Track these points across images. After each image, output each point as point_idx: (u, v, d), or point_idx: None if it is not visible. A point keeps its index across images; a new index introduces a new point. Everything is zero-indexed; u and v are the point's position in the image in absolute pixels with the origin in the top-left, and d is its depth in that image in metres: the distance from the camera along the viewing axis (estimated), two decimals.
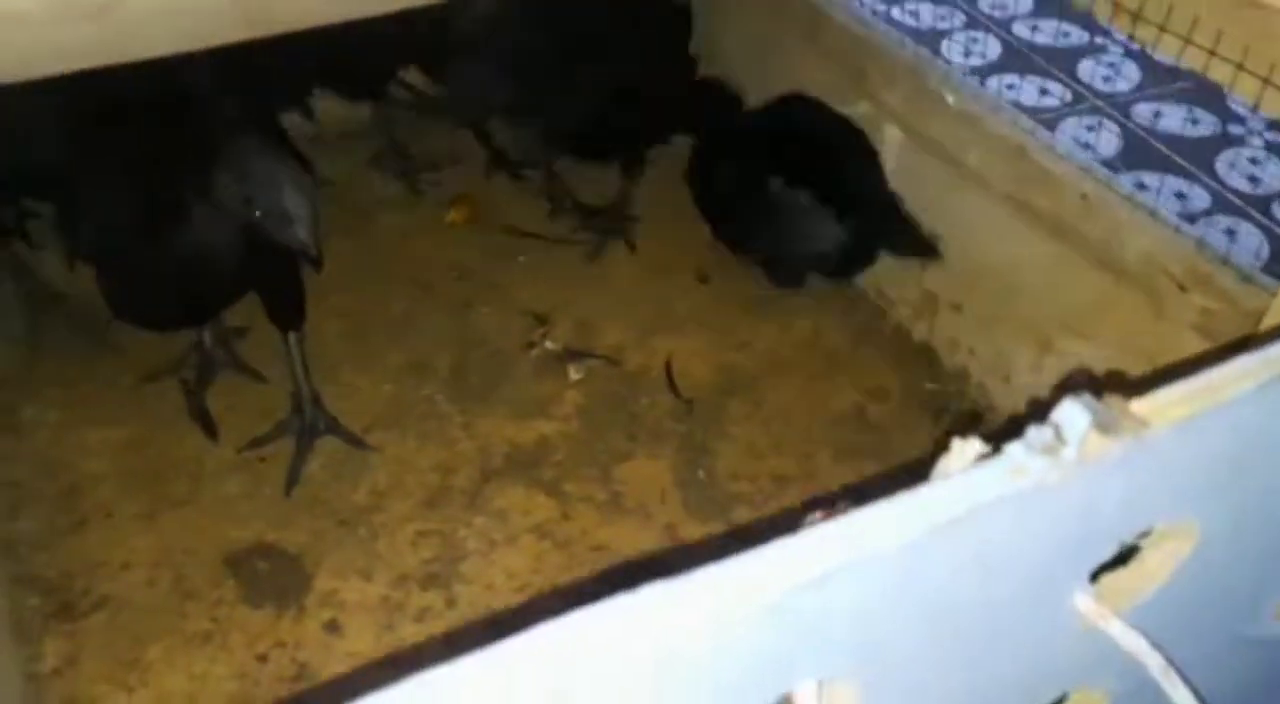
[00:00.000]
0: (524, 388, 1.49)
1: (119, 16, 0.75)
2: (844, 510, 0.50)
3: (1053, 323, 1.28)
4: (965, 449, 0.48)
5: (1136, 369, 1.18)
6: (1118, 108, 2.00)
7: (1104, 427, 0.48)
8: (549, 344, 1.55)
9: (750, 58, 1.59)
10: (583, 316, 1.60)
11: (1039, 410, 0.49)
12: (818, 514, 0.60)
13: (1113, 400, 0.50)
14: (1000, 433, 0.49)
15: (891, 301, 1.57)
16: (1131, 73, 2.09)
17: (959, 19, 2.29)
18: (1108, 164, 1.79)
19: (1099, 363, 1.22)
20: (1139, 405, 0.50)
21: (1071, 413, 0.48)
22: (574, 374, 1.51)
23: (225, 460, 1.38)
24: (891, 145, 1.45)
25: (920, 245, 1.43)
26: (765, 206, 1.46)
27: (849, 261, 1.52)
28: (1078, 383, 0.61)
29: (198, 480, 1.36)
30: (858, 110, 1.49)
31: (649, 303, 1.62)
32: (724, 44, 1.54)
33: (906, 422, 1.45)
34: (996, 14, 2.30)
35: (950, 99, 1.32)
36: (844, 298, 1.63)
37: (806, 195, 1.43)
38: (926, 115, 1.37)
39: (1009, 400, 1.40)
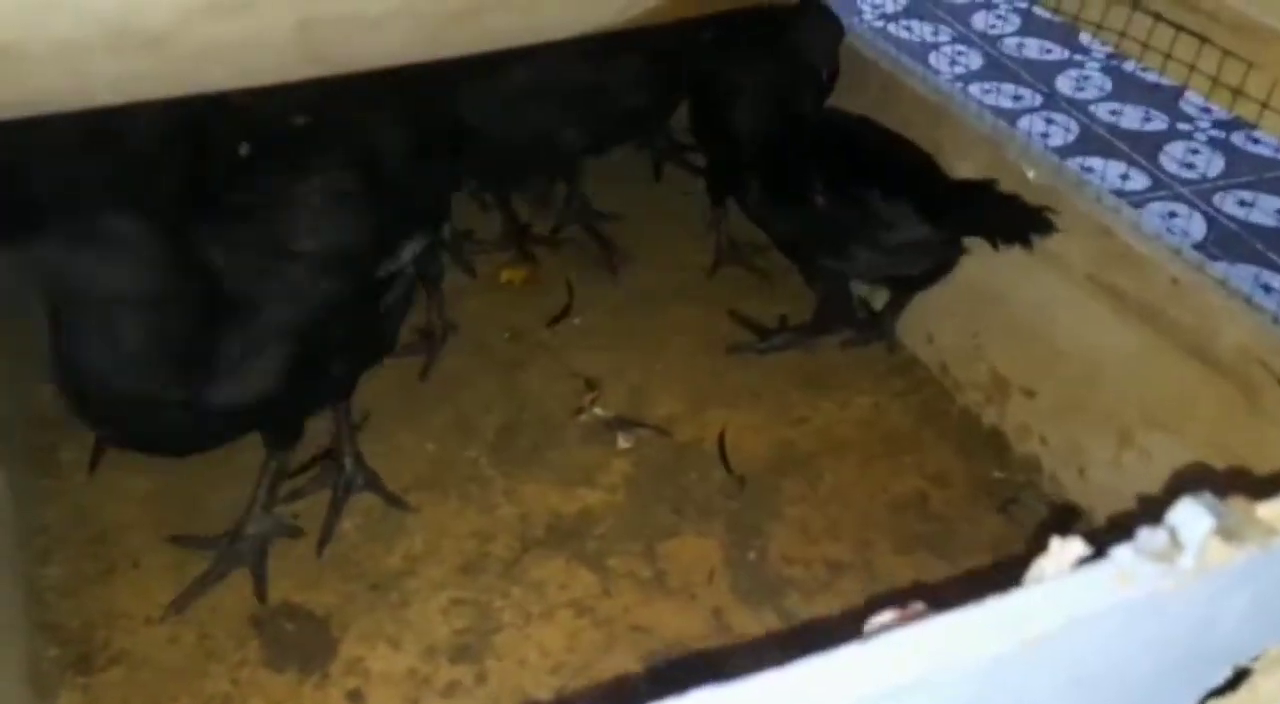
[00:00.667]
0: (570, 454, 1.44)
1: (176, 49, 0.72)
2: (919, 614, 0.43)
3: (1135, 414, 1.20)
4: (1064, 550, 0.41)
5: (1225, 467, 1.09)
6: (1201, 196, 1.93)
7: (1227, 532, 0.41)
8: (599, 410, 1.50)
9: None
10: (635, 383, 1.54)
11: (1150, 510, 0.42)
12: (888, 615, 0.54)
13: (1237, 502, 0.43)
14: (1102, 534, 0.42)
15: (959, 383, 1.50)
16: (1216, 161, 2.02)
17: (1036, 98, 2.24)
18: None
19: (1185, 459, 1.14)
20: (1266, 509, 0.43)
21: (1190, 514, 0.41)
22: (623, 443, 1.46)
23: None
24: None
25: (1027, 220, 1.23)
26: (863, 215, 1.35)
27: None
28: (1194, 481, 0.54)
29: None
30: None
31: (704, 372, 1.56)
32: None
33: (971, 512, 1.36)
34: (1077, 95, 2.25)
35: (1030, 173, 1.26)
36: (906, 376, 1.56)
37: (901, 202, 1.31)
38: (1002, 187, 1.30)
39: (1084, 495, 1.32)
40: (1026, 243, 1.22)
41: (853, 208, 1.32)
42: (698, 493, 1.39)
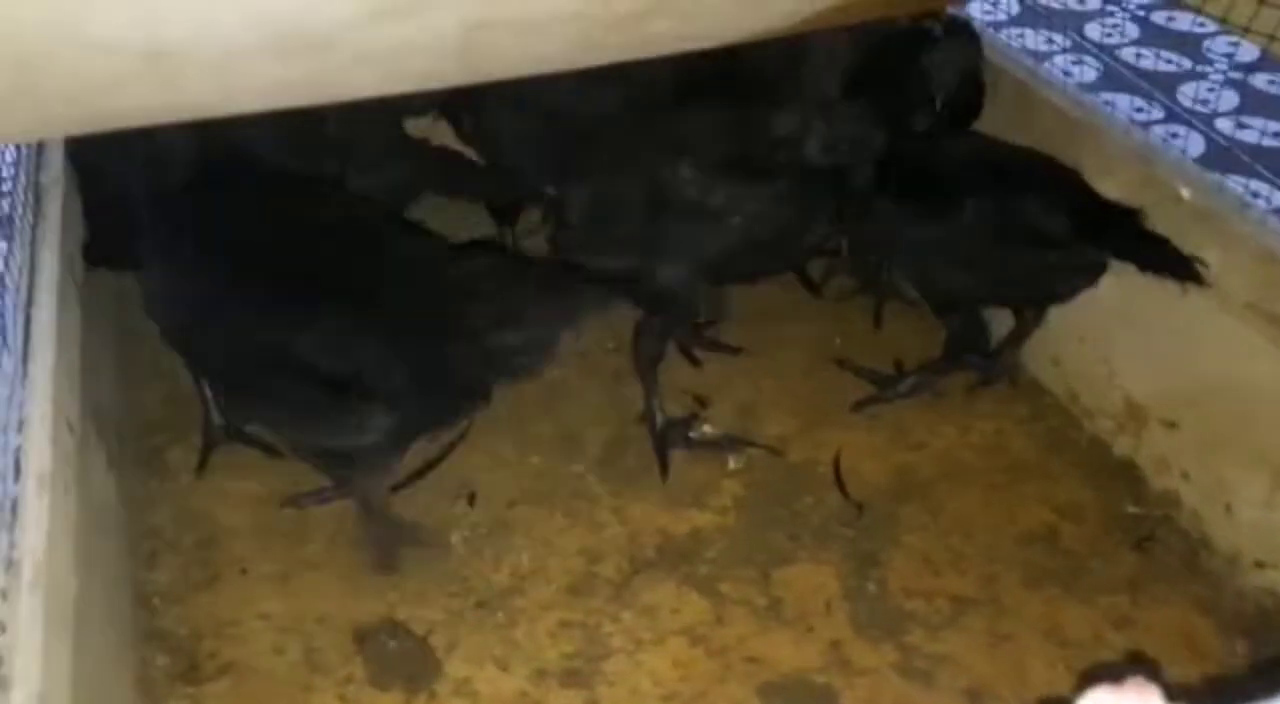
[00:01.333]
0: (680, 473, 1.39)
1: (338, 54, 0.69)
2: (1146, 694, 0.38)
3: None
4: None
5: None
6: None
7: None
8: (707, 428, 1.45)
9: None
10: (745, 400, 1.49)
11: None
12: (1103, 693, 0.48)
13: None
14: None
15: (1088, 410, 1.42)
16: None
17: (1156, 112, 2.15)
18: None
19: None
20: None
21: None
22: (733, 463, 1.41)
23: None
24: None
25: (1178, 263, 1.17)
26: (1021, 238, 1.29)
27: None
28: None
29: (334, 543, 1.30)
30: None
31: (815, 390, 1.51)
32: None
33: (1104, 548, 1.29)
34: (1199, 108, 2.15)
35: (1185, 192, 1.19)
36: (1031, 401, 1.49)
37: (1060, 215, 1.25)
38: (1153, 208, 1.23)
39: (1228, 535, 1.24)
40: (1177, 276, 1.15)
41: (1006, 219, 1.25)
42: (813, 518, 1.33)
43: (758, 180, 1.20)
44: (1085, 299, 1.37)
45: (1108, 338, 1.36)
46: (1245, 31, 1.21)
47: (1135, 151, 1.27)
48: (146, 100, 0.71)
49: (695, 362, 1.52)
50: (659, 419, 1.39)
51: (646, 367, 1.37)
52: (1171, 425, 1.30)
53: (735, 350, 1.54)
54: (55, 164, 1.23)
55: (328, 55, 0.67)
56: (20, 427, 0.92)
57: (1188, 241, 1.19)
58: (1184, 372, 1.26)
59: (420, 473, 1.38)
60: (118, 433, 1.29)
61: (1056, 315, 1.42)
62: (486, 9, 0.67)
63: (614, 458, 1.41)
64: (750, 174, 1.20)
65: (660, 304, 1.32)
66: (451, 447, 1.41)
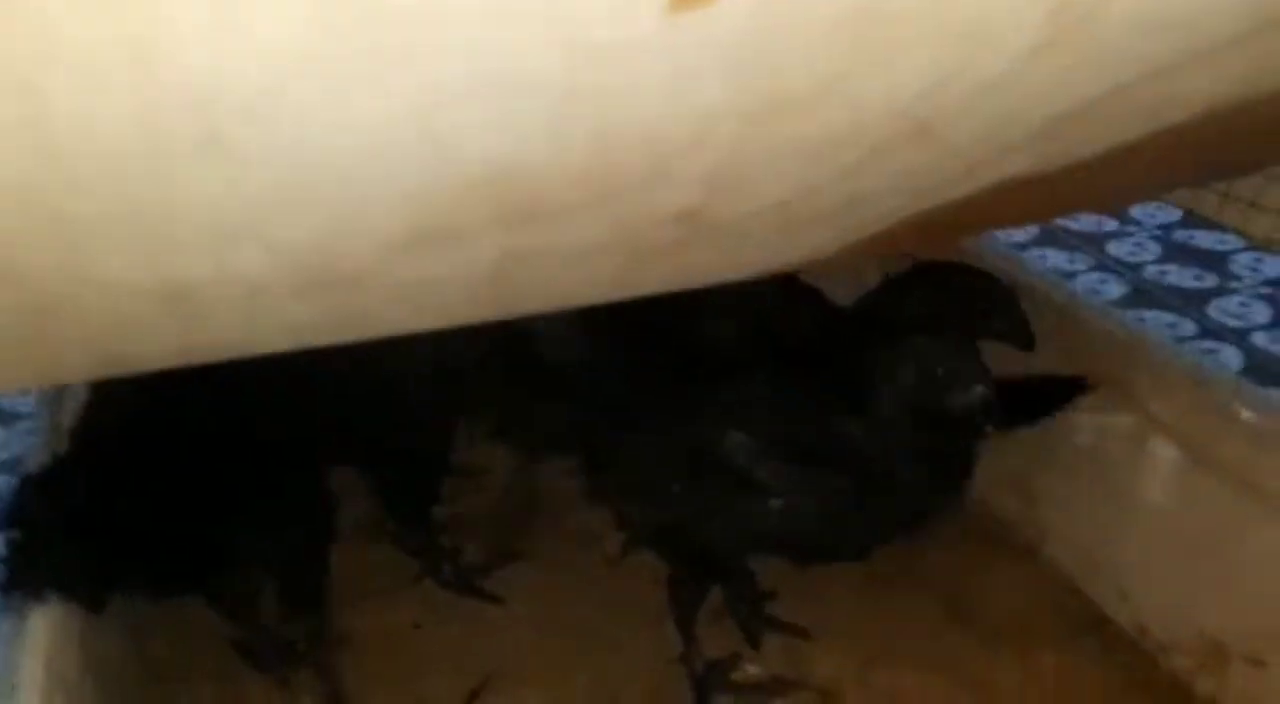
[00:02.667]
0: None
1: (368, 291, 0.66)
2: None
3: None
4: None
5: None
6: None
7: None
8: (752, 668, 1.35)
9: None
10: (791, 639, 1.39)
11: None
12: None
13: None
14: None
15: (1162, 646, 1.32)
16: None
17: (1188, 327, 2.13)
18: None
19: None
20: None
21: None
22: None
23: None
24: (1164, 465, 1.26)
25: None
26: None
27: None
28: None
29: None
30: (1117, 423, 1.32)
31: (873, 622, 1.41)
32: None
33: None
34: (1229, 322, 2.13)
35: (1246, 415, 1.14)
36: (1097, 635, 1.38)
37: None
38: (1212, 433, 1.18)
39: None
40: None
41: None
42: None
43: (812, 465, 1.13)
44: (1150, 525, 1.30)
45: (1180, 566, 1.28)
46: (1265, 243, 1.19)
47: (1189, 374, 1.23)
48: (166, 343, 0.68)
49: (756, 645, 1.37)
50: (699, 665, 1.29)
51: (684, 619, 1.28)
52: (1258, 663, 1.19)
53: (803, 633, 1.38)
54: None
55: (356, 291, 0.65)
56: (12, 692, 0.85)
57: (1254, 468, 1.13)
58: (1263, 604, 1.17)
59: None
60: (121, 682, 1.20)
61: (1122, 544, 1.35)
62: (520, 240, 0.65)
63: None
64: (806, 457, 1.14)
65: (696, 563, 1.25)
66: (475, 695, 1.31)
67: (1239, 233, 1.13)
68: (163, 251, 0.57)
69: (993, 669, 1.34)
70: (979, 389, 1.05)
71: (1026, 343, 1.25)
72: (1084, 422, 1.36)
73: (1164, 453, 1.27)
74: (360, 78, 0.49)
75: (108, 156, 0.50)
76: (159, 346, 0.68)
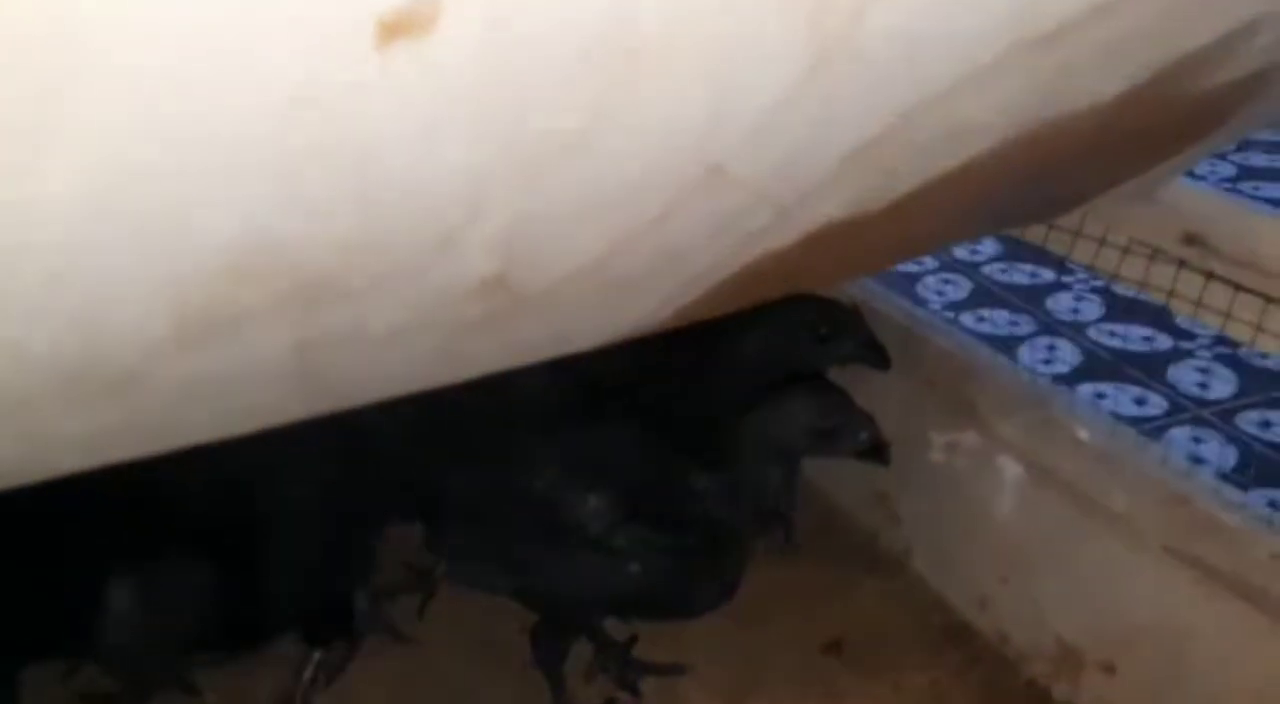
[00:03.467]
0: None
1: (148, 394, 0.61)
2: None
3: (1244, 699, 1.07)
4: None
5: None
6: (1221, 416, 1.87)
7: None
8: None
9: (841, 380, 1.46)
10: (663, 680, 1.39)
11: None
12: None
13: None
14: None
15: (1021, 654, 1.36)
16: (1228, 377, 1.98)
17: (1029, 325, 2.22)
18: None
19: None
20: None
21: None
22: None
23: None
24: (1010, 481, 1.30)
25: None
26: None
27: None
28: None
29: None
30: (964, 441, 1.36)
31: (748, 653, 1.41)
32: None
33: None
34: (1068, 318, 2.23)
35: (1083, 434, 1.18)
36: (960, 646, 1.42)
37: None
38: (1053, 451, 1.22)
39: None
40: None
41: None
42: None
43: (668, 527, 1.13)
44: (1003, 538, 1.35)
45: (1031, 578, 1.32)
46: (1090, 268, 1.23)
47: (1027, 393, 1.27)
48: None
49: (637, 694, 1.34)
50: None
51: (550, 669, 1.26)
52: (1109, 669, 1.24)
53: (678, 670, 1.36)
54: None
55: (138, 395, 0.59)
56: None
57: (1091, 485, 1.17)
58: (1112, 614, 1.22)
59: None
60: None
61: (978, 556, 1.39)
62: (313, 328, 0.61)
63: None
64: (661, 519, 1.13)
65: (555, 619, 1.23)
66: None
67: (1065, 257, 1.17)
68: None
69: (863, 692, 1.36)
70: (865, 435, 1.10)
71: (882, 362, 1.27)
72: (935, 439, 1.40)
73: (1009, 469, 1.31)
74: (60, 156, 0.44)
75: None
76: None
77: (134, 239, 0.50)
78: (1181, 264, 0.99)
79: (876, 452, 1.12)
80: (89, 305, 0.52)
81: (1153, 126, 0.90)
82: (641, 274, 0.75)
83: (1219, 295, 0.98)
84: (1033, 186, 0.94)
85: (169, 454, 1.08)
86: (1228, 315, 0.97)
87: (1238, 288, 0.95)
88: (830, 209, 0.75)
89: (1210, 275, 0.97)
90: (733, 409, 1.17)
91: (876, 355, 1.27)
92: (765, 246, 0.77)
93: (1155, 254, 1.01)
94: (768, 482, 1.12)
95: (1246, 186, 2.65)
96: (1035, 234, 1.15)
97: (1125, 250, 1.05)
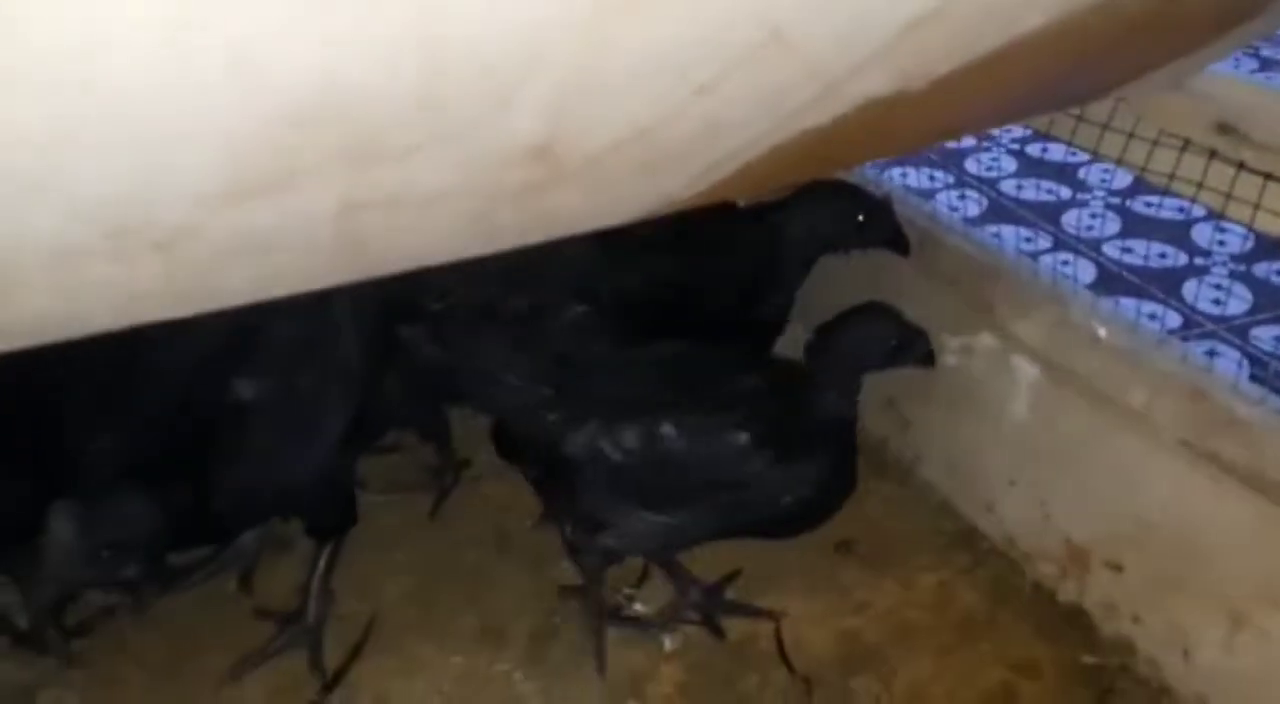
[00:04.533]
0: (613, 660, 1.29)
1: (192, 250, 0.60)
2: None
3: (1250, 592, 1.08)
4: None
5: None
6: (1236, 332, 1.86)
7: None
8: (639, 606, 1.36)
9: (860, 285, 1.45)
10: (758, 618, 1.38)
11: None
12: None
13: None
14: None
15: (1028, 555, 1.38)
16: (1243, 294, 1.97)
17: (1044, 241, 2.20)
18: None
19: None
20: None
21: None
22: (669, 644, 1.31)
23: None
24: (1025, 382, 1.30)
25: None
26: None
27: None
28: None
29: None
30: (980, 342, 1.35)
31: (747, 555, 1.42)
32: (832, 271, 1.41)
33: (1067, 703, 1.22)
34: (1084, 235, 2.21)
35: (1102, 333, 1.17)
36: (968, 549, 1.44)
37: None
38: (1070, 350, 1.22)
39: (1189, 681, 1.19)
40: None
41: None
42: (761, 699, 1.24)
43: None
44: (1013, 440, 1.35)
45: (1039, 478, 1.33)
46: (1118, 162, 1.22)
47: (1048, 293, 1.26)
48: None
49: (720, 634, 1.33)
50: (598, 604, 1.30)
51: (593, 574, 1.30)
52: (1116, 568, 1.25)
53: (772, 616, 1.34)
54: None
55: (179, 253, 0.59)
56: None
57: (1110, 383, 1.17)
58: (1125, 511, 1.22)
59: (329, 685, 1.25)
60: None
61: (988, 459, 1.40)
62: (361, 187, 0.60)
63: (542, 651, 1.30)
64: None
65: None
66: (358, 650, 1.29)
67: (1094, 154, 1.16)
68: None
69: (874, 589, 1.38)
70: (926, 348, 1.22)
71: (905, 249, 1.36)
72: (949, 342, 1.39)
73: (1025, 370, 1.30)
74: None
75: None
76: None
77: (199, 79, 0.49)
78: (1212, 155, 0.97)
79: (929, 358, 1.22)
80: (147, 153, 0.51)
81: (1194, 13, 0.87)
82: (680, 148, 0.73)
83: (1249, 187, 0.96)
84: (1070, 74, 0.93)
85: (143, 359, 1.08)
86: (1257, 206, 0.96)
87: (1268, 178, 0.93)
88: (875, 86, 0.73)
89: (1241, 166, 0.95)
90: (776, 291, 1.33)
91: (901, 243, 1.37)
92: (805, 123, 0.76)
93: (1186, 146, 0.99)
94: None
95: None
96: (1063, 128, 1.13)
97: (1155, 142, 1.03)
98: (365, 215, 0.65)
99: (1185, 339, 1.79)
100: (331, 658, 1.27)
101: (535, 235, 0.80)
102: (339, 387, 1.19)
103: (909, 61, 0.71)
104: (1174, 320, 1.89)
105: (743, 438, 1.16)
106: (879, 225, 1.35)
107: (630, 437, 1.15)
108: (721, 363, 1.24)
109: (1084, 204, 2.31)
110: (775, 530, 1.25)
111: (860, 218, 1.35)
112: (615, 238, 0.85)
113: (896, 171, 2.22)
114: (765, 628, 1.32)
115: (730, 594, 1.36)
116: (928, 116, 0.88)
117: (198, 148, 0.52)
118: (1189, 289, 1.98)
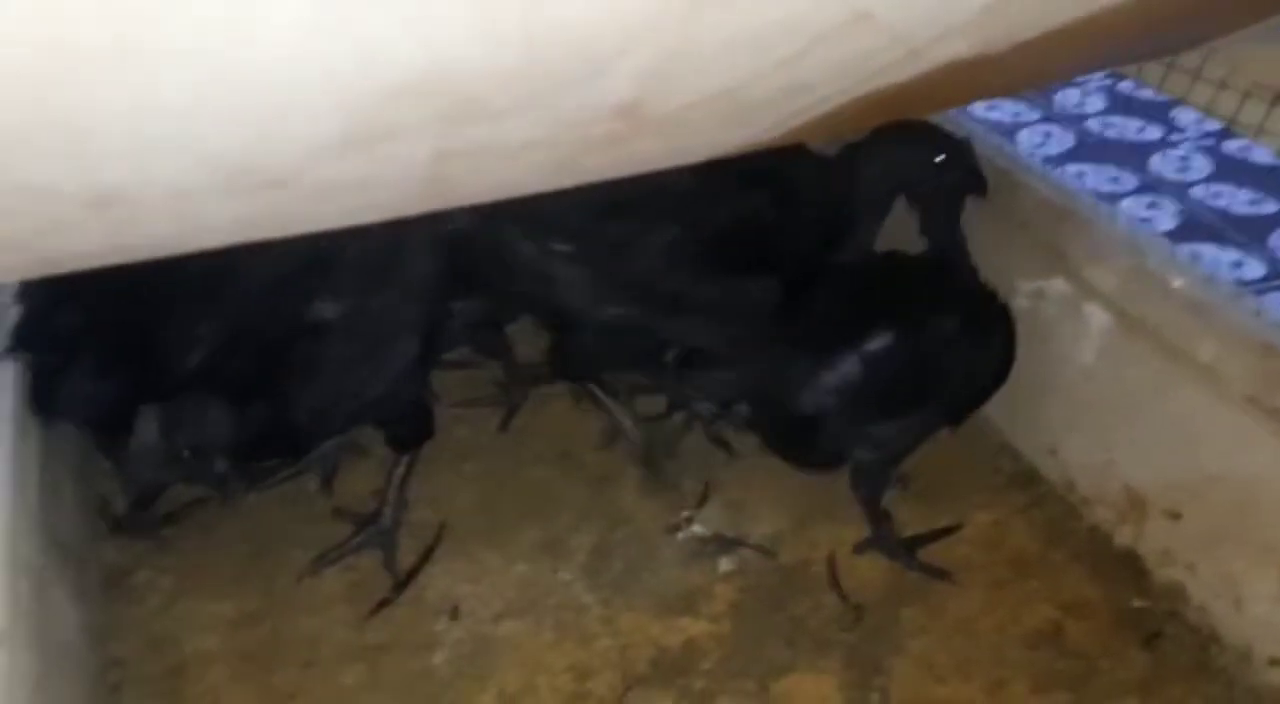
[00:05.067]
0: (670, 577, 1.34)
1: (297, 189, 0.65)
2: None
3: None
4: None
5: None
6: None
7: None
8: (697, 528, 1.41)
9: None
10: (733, 497, 1.45)
11: None
12: None
13: None
14: None
15: (1086, 500, 1.39)
16: None
17: (1130, 181, 2.15)
18: None
19: None
20: None
21: None
22: (725, 565, 1.36)
23: (342, 645, 1.26)
24: (1095, 328, 1.30)
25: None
26: None
27: None
28: None
29: (312, 667, 1.23)
30: (1052, 287, 1.35)
31: (808, 485, 1.46)
32: (899, 210, 1.41)
33: (1113, 646, 1.25)
34: (1172, 176, 2.15)
35: (1178, 283, 1.17)
36: (1026, 490, 1.45)
37: None
38: (1144, 299, 1.21)
39: (1239, 631, 1.20)
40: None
41: None
42: (811, 622, 1.28)
43: None
44: (1080, 386, 1.35)
45: (1104, 426, 1.33)
46: (1207, 112, 1.20)
47: (1124, 240, 1.25)
48: (96, 243, 0.66)
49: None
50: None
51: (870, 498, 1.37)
52: (1174, 516, 1.26)
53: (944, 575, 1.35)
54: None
55: (285, 191, 0.63)
56: None
57: (1180, 334, 1.17)
58: (1186, 462, 1.23)
59: (400, 585, 1.32)
60: (81, 557, 1.23)
61: (1052, 404, 1.40)
62: (455, 140, 0.63)
63: (602, 563, 1.36)
64: None
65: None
66: (429, 553, 1.36)
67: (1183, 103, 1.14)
68: (80, 157, 0.56)
69: (927, 526, 1.40)
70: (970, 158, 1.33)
71: (983, 190, 1.36)
72: (1021, 286, 1.39)
73: (1097, 317, 1.30)
74: None
75: (19, 67, 0.48)
76: (90, 247, 0.67)
77: (324, 55, 0.53)
78: None
79: (978, 180, 1.29)
80: (269, 111, 0.56)
81: None
82: (764, 102, 0.76)
83: None
84: (1159, 32, 0.91)
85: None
86: None
87: None
88: (959, 50, 0.74)
89: None
90: (854, 233, 1.34)
91: (980, 183, 1.36)
92: (888, 80, 0.77)
93: (1277, 99, 0.97)
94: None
95: None
96: (1153, 74, 1.11)
97: (1246, 94, 1.01)
98: (455, 161, 0.69)
99: (1264, 291, 1.76)
100: (404, 560, 1.34)
101: (613, 175, 0.83)
102: (412, 308, 1.24)
103: (993, 30, 0.72)
104: (1256, 269, 1.85)
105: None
106: (957, 167, 1.34)
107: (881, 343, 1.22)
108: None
109: (1175, 145, 2.25)
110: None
111: (938, 159, 1.33)
112: (708, 173, 0.87)
113: (981, 107, 2.19)
114: (820, 554, 1.36)
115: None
116: (1011, 72, 0.88)
117: (317, 114, 0.57)
118: (1276, 239, 1.93)
